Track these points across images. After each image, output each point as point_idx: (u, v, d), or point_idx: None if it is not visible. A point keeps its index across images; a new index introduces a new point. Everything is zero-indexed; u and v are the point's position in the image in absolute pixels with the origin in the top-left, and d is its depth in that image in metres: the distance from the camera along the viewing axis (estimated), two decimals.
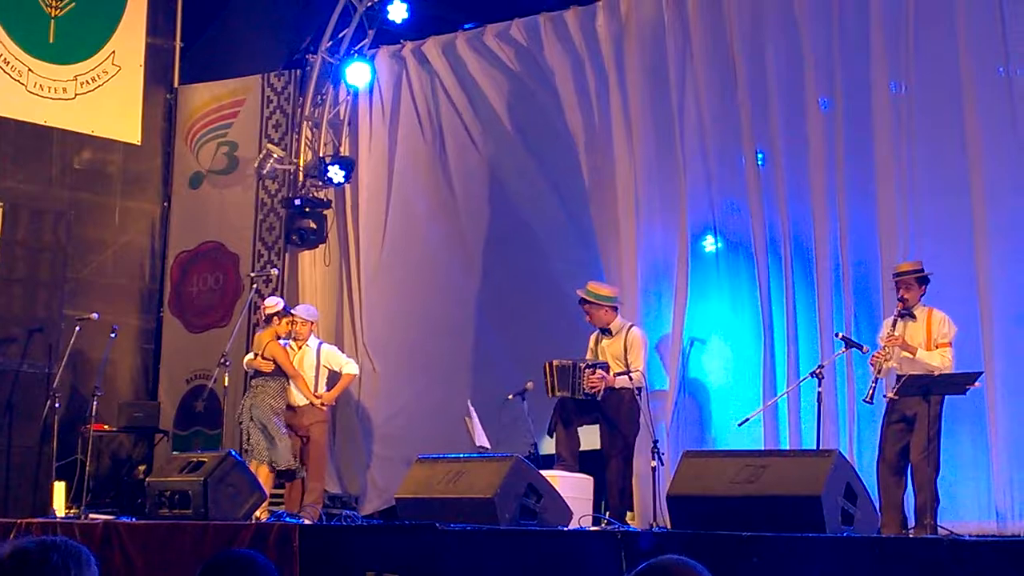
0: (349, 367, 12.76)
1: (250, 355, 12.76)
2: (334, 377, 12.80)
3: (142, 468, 15.03)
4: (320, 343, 12.90)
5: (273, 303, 12.89)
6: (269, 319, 12.73)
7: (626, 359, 11.62)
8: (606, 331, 11.84)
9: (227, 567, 4.13)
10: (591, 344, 12.00)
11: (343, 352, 13.36)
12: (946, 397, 10.31)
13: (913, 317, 10.53)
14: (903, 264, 10.89)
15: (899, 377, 10.41)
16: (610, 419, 11.56)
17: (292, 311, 12.80)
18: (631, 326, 11.92)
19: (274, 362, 12.47)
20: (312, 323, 12.84)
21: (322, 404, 12.60)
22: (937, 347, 10.43)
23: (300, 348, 12.71)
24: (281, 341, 12.59)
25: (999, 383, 11.03)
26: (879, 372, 10.45)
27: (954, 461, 11.00)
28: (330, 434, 13.12)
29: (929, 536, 9.78)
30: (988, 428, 11.14)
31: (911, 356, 10.42)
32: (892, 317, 10.67)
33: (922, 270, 10.68)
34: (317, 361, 12.68)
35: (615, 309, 11.94)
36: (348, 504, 13.75)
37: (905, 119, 11.84)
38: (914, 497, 10.32)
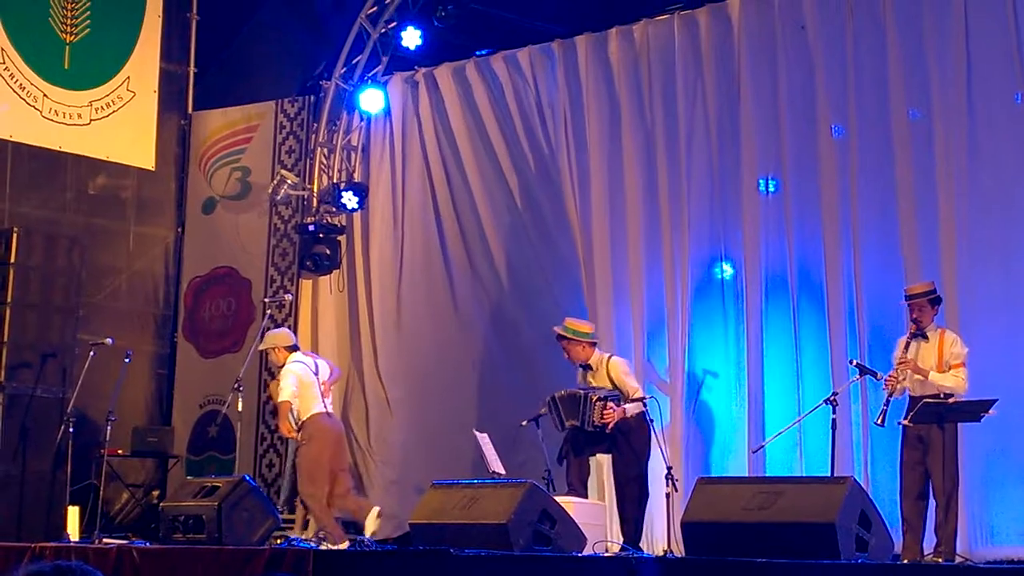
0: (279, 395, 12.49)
1: None
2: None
3: (156, 493, 15.04)
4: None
5: None
6: None
7: (615, 389, 11.57)
8: (587, 367, 11.79)
9: None
10: (579, 381, 11.94)
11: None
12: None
13: (926, 338, 10.53)
14: (916, 286, 10.88)
15: (912, 399, 10.42)
16: (621, 448, 11.53)
17: None
18: (609, 356, 11.90)
19: None
20: (275, 348, 12.65)
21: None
22: (950, 368, 10.42)
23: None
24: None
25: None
26: (892, 393, 10.44)
27: (983, 486, 11.03)
28: (298, 465, 12.62)
29: (944, 563, 9.78)
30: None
31: (923, 379, 10.42)
32: (905, 337, 10.67)
33: (934, 291, 10.69)
34: None
35: (593, 344, 11.88)
36: (362, 530, 13.71)
37: (924, 146, 11.84)
38: (935, 522, 10.29)
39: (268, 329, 13.45)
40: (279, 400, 12.33)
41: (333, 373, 12.96)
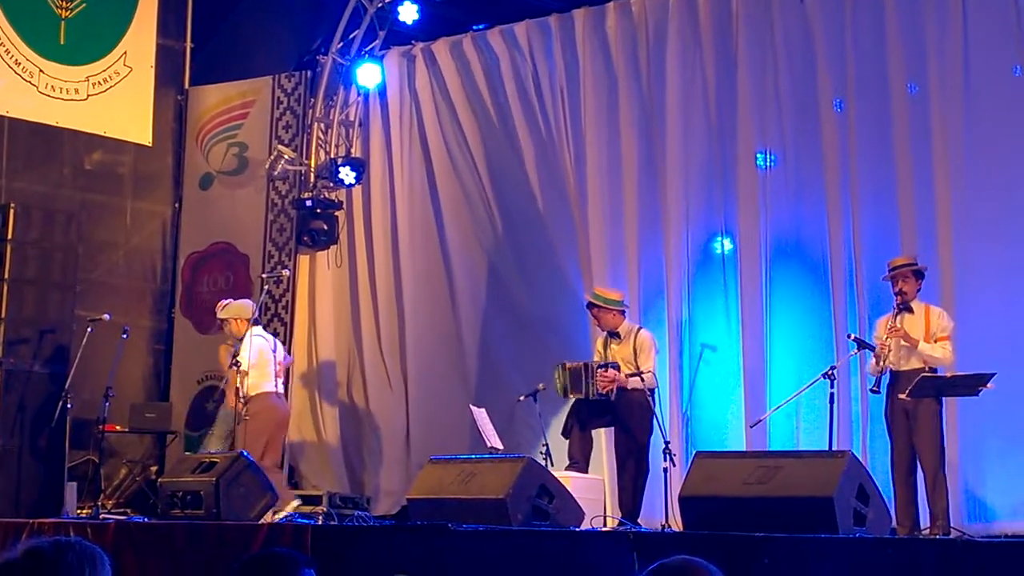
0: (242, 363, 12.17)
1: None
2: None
3: (154, 468, 15.05)
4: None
5: None
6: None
7: (636, 361, 11.60)
8: (614, 334, 11.82)
9: (268, 562, 4.14)
10: (598, 347, 11.98)
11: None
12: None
13: (911, 311, 10.55)
14: (898, 258, 10.90)
15: (894, 374, 10.44)
16: (624, 421, 11.55)
17: None
18: (639, 328, 11.92)
19: None
20: (237, 319, 12.48)
21: None
22: (937, 341, 10.44)
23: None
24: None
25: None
26: (880, 366, 10.46)
27: (977, 461, 11.04)
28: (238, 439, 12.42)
29: (941, 537, 9.79)
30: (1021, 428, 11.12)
31: (912, 347, 10.41)
32: (887, 315, 10.68)
33: (916, 263, 10.71)
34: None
35: (623, 312, 11.92)
36: (360, 505, 13.75)
37: (922, 119, 11.83)
38: (927, 497, 10.32)
39: (266, 304, 13.47)
40: (241, 368, 11.99)
41: (287, 358, 12.99)
